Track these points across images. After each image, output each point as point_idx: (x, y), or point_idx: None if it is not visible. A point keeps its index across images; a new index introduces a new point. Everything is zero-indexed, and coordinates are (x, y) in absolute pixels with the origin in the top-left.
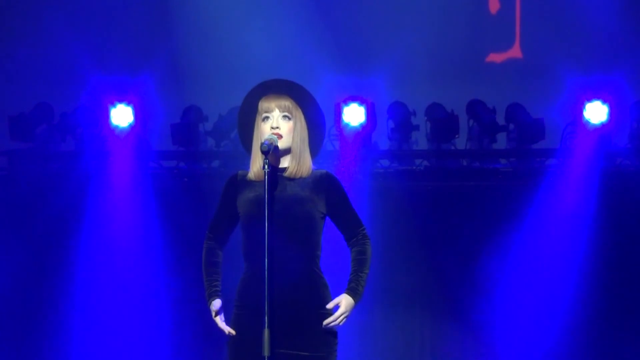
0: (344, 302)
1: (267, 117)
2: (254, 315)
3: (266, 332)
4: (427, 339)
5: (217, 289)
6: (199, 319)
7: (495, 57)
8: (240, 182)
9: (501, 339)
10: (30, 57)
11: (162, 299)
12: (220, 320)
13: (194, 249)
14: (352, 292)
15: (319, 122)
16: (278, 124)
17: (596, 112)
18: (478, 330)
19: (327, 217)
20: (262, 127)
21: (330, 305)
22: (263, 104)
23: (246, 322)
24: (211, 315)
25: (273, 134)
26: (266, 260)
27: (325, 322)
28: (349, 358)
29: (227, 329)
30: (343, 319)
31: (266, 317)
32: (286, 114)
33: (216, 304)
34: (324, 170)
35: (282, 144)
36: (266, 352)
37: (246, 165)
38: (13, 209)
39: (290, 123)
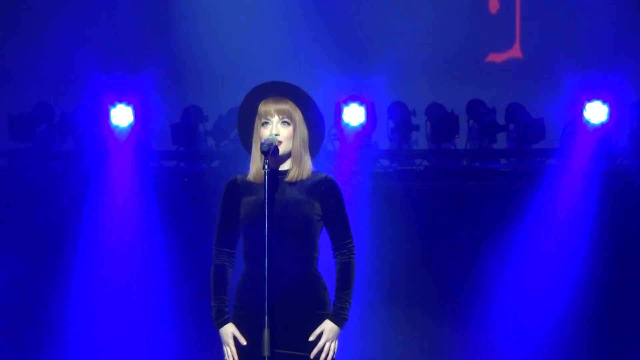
0: (326, 329)
1: (266, 123)
2: (253, 315)
3: (266, 332)
4: (427, 339)
5: (227, 312)
6: (199, 318)
7: (495, 57)
8: (240, 186)
9: (501, 338)
10: (30, 57)
11: (163, 299)
12: (232, 345)
13: (194, 249)
14: (335, 318)
15: (318, 124)
16: (278, 130)
17: (596, 112)
18: (478, 330)
19: None
20: (261, 132)
21: (312, 337)
22: (262, 109)
23: (245, 322)
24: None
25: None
26: (266, 261)
27: (312, 354)
28: (348, 358)
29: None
30: (329, 345)
31: (266, 317)
32: (285, 119)
33: (229, 329)
34: (324, 174)
35: (282, 149)
36: (266, 352)
37: (246, 165)
38: (13, 209)
39: (290, 128)
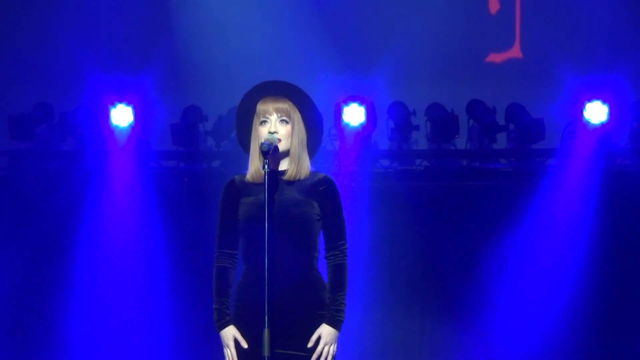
0: (324, 333)
1: (264, 121)
2: (253, 315)
3: (266, 332)
4: (427, 339)
5: (228, 314)
6: (199, 318)
7: (495, 57)
8: (238, 187)
9: (501, 338)
10: (30, 57)
11: (163, 298)
12: (232, 348)
13: (194, 248)
14: (332, 321)
15: (316, 123)
16: (276, 128)
17: (596, 112)
18: (478, 330)
19: None
20: (260, 131)
21: (310, 344)
22: (260, 107)
23: (245, 322)
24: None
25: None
26: (266, 261)
27: (312, 359)
28: (348, 358)
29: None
30: (328, 349)
31: (266, 317)
32: (284, 117)
33: (230, 331)
34: (323, 174)
35: (280, 147)
36: (266, 352)
37: (246, 165)
38: (13, 209)
39: (288, 127)
